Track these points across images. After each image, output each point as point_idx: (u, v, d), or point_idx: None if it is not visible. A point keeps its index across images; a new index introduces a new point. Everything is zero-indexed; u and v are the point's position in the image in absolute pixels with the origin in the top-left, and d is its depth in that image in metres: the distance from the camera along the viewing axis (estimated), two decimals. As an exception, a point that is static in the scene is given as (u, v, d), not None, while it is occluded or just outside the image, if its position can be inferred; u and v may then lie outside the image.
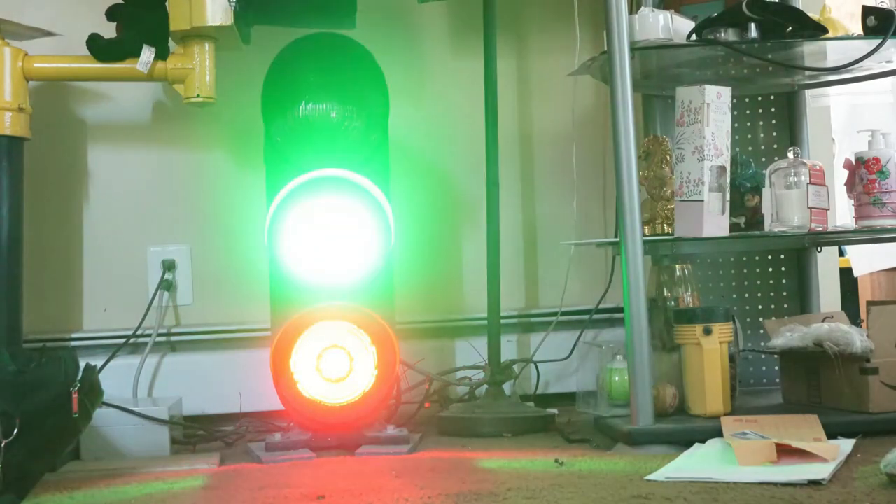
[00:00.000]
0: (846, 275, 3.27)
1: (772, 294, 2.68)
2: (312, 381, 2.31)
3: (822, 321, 2.24)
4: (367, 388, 2.30)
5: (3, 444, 1.74)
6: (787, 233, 2.21)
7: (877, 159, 2.24)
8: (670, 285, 2.40)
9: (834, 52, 2.31)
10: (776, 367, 2.58)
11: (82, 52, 2.43)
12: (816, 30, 2.22)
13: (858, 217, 2.28)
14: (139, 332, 2.73)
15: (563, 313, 2.82)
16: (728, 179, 2.18)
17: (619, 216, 2.09)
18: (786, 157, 2.23)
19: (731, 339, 2.24)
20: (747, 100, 2.69)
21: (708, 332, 2.17)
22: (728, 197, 2.18)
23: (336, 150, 2.38)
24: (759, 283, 2.69)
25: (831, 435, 1.99)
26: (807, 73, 2.50)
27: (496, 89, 2.59)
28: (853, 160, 2.29)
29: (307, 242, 2.34)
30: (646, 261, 2.12)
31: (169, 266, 2.80)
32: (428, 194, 2.90)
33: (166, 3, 2.38)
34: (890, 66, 2.41)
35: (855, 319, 2.39)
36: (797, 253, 2.68)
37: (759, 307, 2.68)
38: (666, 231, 2.34)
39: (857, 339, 2.12)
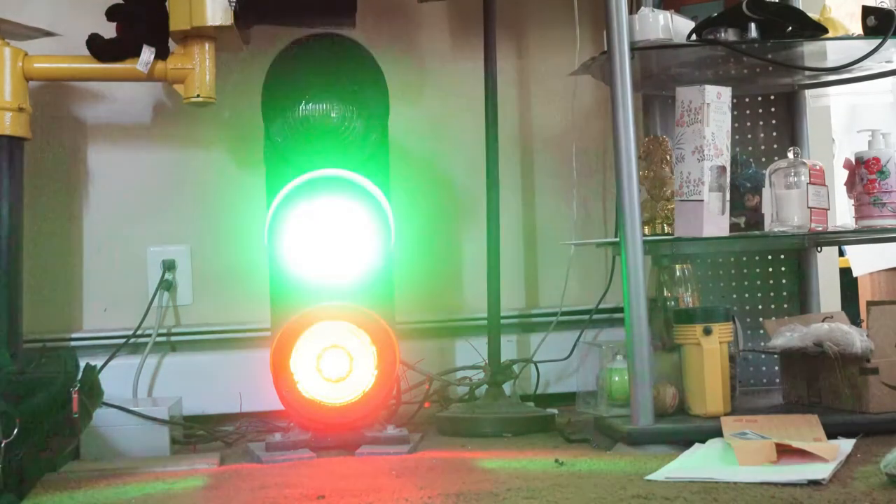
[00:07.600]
0: (846, 275, 3.27)
1: (772, 294, 2.68)
2: (312, 381, 2.31)
3: (822, 321, 2.24)
4: (367, 388, 2.30)
5: (3, 444, 1.74)
6: (787, 233, 2.21)
7: (877, 159, 2.24)
8: (670, 285, 2.40)
9: (834, 52, 2.31)
10: (776, 367, 2.58)
11: (82, 52, 2.43)
12: (816, 30, 2.22)
13: (858, 217, 2.28)
14: (139, 332, 2.72)
15: (563, 313, 2.82)
16: (728, 179, 2.18)
17: (619, 216, 2.09)
18: (786, 157, 2.23)
19: (731, 339, 2.24)
20: (747, 100, 2.69)
21: (708, 332, 2.17)
22: (728, 197, 2.18)
23: (336, 150, 2.38)
24: (759, 283, 2.68)
25: (831, 435, 1.99)
26: (807, 73, 2.50)
27: (496, 89, 2.59)
28: (853, 160, 2.29)
29: (307, 243, 2.34)
30: (646, 261, 2.12)
31: (169, 266, 2.80)
32: (428, 194, 2.90)
33: (166, 3, 2.38)
34: (890, 66, 2.41)
35: (855, 319, 2.39)
36: (797, 253, 2.68)
37: (759, 307, 2.68)
38: (666, 231, 2.34)
39: (857, 339, 2.12)
